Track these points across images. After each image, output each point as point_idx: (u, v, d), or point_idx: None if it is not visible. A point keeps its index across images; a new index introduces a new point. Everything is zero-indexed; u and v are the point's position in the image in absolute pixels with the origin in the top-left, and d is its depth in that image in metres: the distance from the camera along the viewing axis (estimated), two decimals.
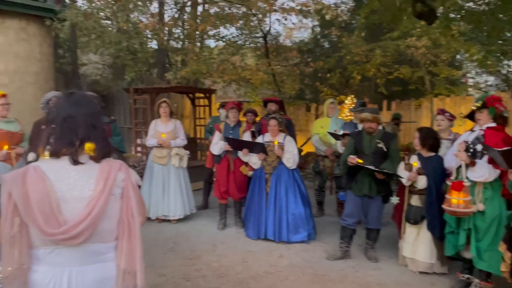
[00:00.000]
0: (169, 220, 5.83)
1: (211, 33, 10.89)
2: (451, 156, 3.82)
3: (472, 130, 3.85)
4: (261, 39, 10.19)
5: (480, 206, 3.52)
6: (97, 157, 1.69)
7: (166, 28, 10.19)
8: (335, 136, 5.68)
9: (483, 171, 3.51)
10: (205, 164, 6.38)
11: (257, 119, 6.35)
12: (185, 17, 11.72)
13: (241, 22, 9.62)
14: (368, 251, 4.60)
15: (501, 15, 5.46)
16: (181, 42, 12.02)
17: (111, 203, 1.63)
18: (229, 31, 11.40)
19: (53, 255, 1.60)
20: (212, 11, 10.76)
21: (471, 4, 6.63)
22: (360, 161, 4.25)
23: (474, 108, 3.76)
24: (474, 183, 3.58)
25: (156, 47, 12.00)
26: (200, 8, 11.80)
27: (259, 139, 5.33)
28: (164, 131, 5.80)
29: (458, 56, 11.69)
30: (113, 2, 8.49)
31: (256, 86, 11.28)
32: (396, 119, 8.40)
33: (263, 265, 4.38)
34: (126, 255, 1.65)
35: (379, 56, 8.75)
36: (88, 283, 1.62)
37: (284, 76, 10.59)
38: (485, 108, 3.68)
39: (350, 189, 4.47)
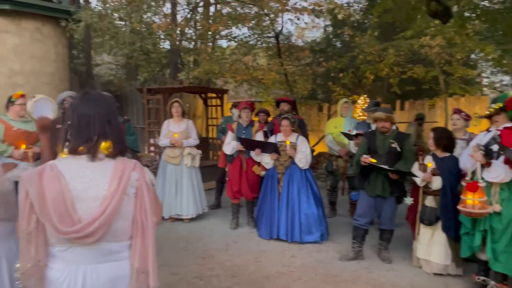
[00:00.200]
0: (182, 219, 5.86)
1: (223, 33, 10.92)
2: (467, 157, 3.77)
3: (488, 130, 3.80)
4: (273, 39, 10.18)
5: (497, 207, 3.47)
6: (113, 154, 1.71)
7: (179, 29, 10.24)
8: (348, 136, 5.65)
9: (499, 172, 3.46)
10: (218, 164, 6.40)
11: (269, 119, 6.35)
12: (197, 17, 11.77)
13: (253, 22, 9.62)
14: (381, 252, 4.57)
15: None
16: (193, 43, 12.07)
17: (125, 203, 1.64)
18: (241, 31, 11.41)
19: (68, 252, 1.62)
20: (224, 11, 10.79)
21: (486, 2, 6.54)
22: (374, 160, 4.22)
23: (492, 110, 3.70)
24: (490, 184, 3.53)
25: (168, 47, 12.07)
26: (212, 9, 11.85)
27: (272, 139, 5.33)
28: (176, 131, 5.84)
29: (472, 55, 11.52)
30: (127, 3, 8.56)
31: (268, 86, 11.27)
32: (420, 119, 8.29)
33: (275, 265, 4.38)
34: (139, 255, 1.66)
35: (392, 56, 8.68)
36: (102, 281, 1.63)
37: (296, 76, 10.56)
38: (503, 111, 3.63)
39: (363, 189, 4.44)
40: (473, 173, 3.67)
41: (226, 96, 10.28)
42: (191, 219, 5.88)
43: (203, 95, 9.21)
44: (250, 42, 10.61)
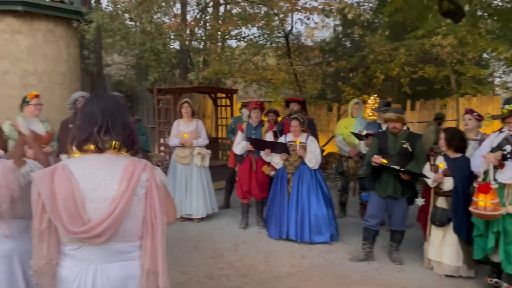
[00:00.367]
0: (191, 219, 5.88)
1: (233, 33, 10.93)
2: (479, 160, 3.72)
3: (500, 131, 3.76)
4: (282, 39, 10.16)
5: (510, 209, 3.43)
6: (119, 149, 1.71)
7: (188, 29, 10.28)
8: (358, 136, 5.62)
9: None
10: (227, 164, 6.41)
11: (279, 119, 6.35)
12: (207, 17, 11.80)
13: (262, 22, 9.61)
14: (392, 253, 4.54)
15: None
16: (202, 43, 12.11)
17: (135, 203, 1.64)
18: (250, 31, 11.44)
19: (79, 251, 1.64)
20: (234, 11, 10.80)
21: (499, 1, 6.46)
22: (385, 161, 4.20)
23: (505, 111, 3.66)
24: (503, 185, 3.49)
25: (178, 47, 12.13)
26: (222, 9, 11.87)
27: (281, 139, 5.33)
28: (186, 130, 5.86)
29: (485, 55, 11.39)
30: (137, 3, 8.62)
31: (277, 86, 11.26)
32: (439, 119, 8.18)
33: (285, 265, 4.37)
34: (149, 255, 1.66)
35: (403, 55, 8.61)
36: (112, 281, 1.64)
37: (305, 75, 10.53)
38: None
39: (373, 189, 4.42)
40: (485, 173, 3.63)
41: (236, 96, 10.30)
42: (201, 219, 5.91)
43: (212, 95, 9.24)
44: (260, 42, 10.61)
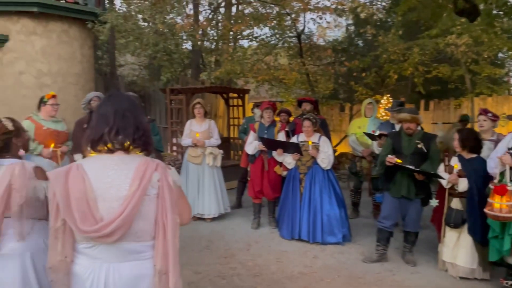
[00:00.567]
0: (203, 219, 5.91)
1: (245, 33, 10.95)
2: (494, 161, 3.66)
3: None
4: (294, 38, 10.14)
5: None
6: (133, 147, 1.73)
7: (201, 29, 10.32)
8: (371, 136, 5.58)
9: None
10: (240, 164, 6.42)
11: (291, 119, 6.34)
12: (219, 18, 11.83)
13: (274, 22, 9.60)
14: (406, 254, 4.49)
15: None
16: (214, 43, 12.15)
17: (146, 203, 1.65)
18: (262, 31, 11.43)
19: (93, 250, 1.66)
20: (246, 11, 10.81)
21: None
22: (399, 161, 4.16)
23: None
24: None
25: (190, 48, 12.18)
26: (234, 9, 11.89)
27: (294, 139, 5.32)
28: (198, 130, 5.89)
29: (500, 54, 11.21)
30: (151, 4, 8.68)
31: (289, 86, 11.24)
32: (465, 121, 8.06)
33: (297, 266, 4.36)
34: (161, 256, 1.66)
35: (417, 55, 8.53)
36: (124, 280, 1.65)
37: (317, 75, 10.50)
38: None
39: (387, 190, 4.38)
40: (502, 175, 3.58)
41: (247, 96, 10.31)
42: (213, 219, 5.92)
43: (224, 95, 9.26)
44: (272, 42, 10.61)
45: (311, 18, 10.00)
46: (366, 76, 10.44)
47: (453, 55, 8.65)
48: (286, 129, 5.81)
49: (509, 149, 3.58)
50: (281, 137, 5.55)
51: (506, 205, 3.37)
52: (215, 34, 11.78)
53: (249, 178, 5.80)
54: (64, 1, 8.40)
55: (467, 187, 3.92)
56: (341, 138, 10.69)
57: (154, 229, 1.68)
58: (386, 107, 7.66)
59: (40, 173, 2.23)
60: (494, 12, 6.14)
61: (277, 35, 10.40)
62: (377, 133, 5.39)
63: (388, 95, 9.01)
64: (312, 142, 5.11)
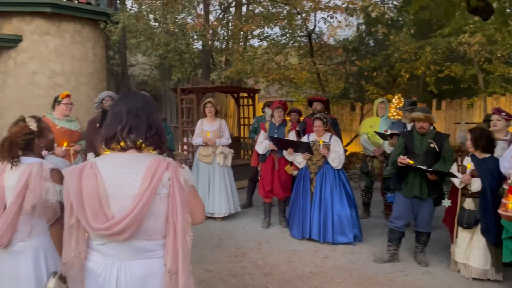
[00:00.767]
0: (214, 218, 5.93)
1: (255, 33, 10.95)
2: (508, 161, 3.62)
3: None
4: (304, 38, 10.11)
5: None
6: (145, 146, 1.74)
7: (211, 29, 10.35)
8: (382, 136, 5.55)
9: None
10: (250, 163, 6.43)
11: (301, 118, 6.33)
12: (229, 17, 11.85)
13: (285, 21, 9.59)
14: (417, 255, 4.46)
15: None
16: (225, 43, 12.16)
17: (157, 202, 1.65)
18: (272, 30, 11.41)
19: (105, 247, 1.68)
20: (256, 11, 10.81)
21: None
22: (411, 162, 4.13)
23: None
24: None
25: (200, 47, 12.22)
26: (244, 8, 11.90)
27: (304, 139, 5.31)
28: (209, 130, 5.92)
29: None
30: (163, 4, 8.73)
31: (299, 86, 11.21)
32: (490, 121, 7.97)
33: (308, 265, 4.36)
34: (171, 255, 1.67)
35: (429, 54, 8.45)
36: (135, 278, 1.66)
37: (328, 75, 10.46)
38: None
39: (399, 190, 4.35)
40: None
41: (257, 96, 10.32)
42: (223, 218, 5.94)
43: (235, 94, 9.28)
44: (282, 42, 10.60)
45: (322, 17, 9.88)
46: (377, 75, 10.37)
47: (466, 54, 8.55)
48: (297, 129, 5.80)
49: None
50: (292, 136, 5.54)
51: None
52: (225, 33, 11.79)
53: (259, 178, 5.82)
54: (76, 2, 8.49)
55: (480, 187, 3.89)
56: (351, 137, 10.64)
57: (165, 228, 1.69)
58: (398, 106, 7.61)
59: (56, 176, 2.22)
60: (508, 10, 6.06)
61: (288, 35, 10.38)
62: (389, 132, 5.35)
63: (400, 95, 8.95)
64: (323, 142, 5.10)
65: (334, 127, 5.66)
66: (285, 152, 5.41)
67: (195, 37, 10.65)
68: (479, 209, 3.90)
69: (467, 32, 7.79)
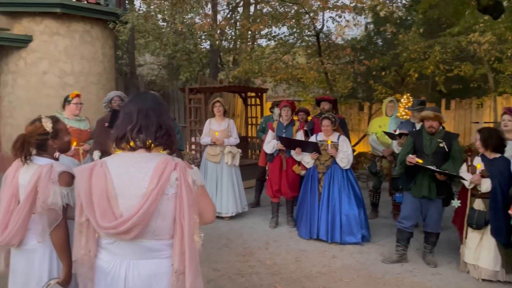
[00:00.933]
0: (222, 217, 5.94)
1: (263, 32, 10.96)
2: None
3: None
4: (312, 37, 10.09)
5: None
6: (154, 146, 1.74)
7: (219, 29, 10.37)
8: (391, 135, 5.52)
9: None
10: (258, 163, 6.44)
11: (309, 118, 6.32)
12: (237, 17, 11.87)
13: (293, 21, 9.58)
14: (426, 255, 4.43)
15: None
16: (232, 42, 12.18)
17: (164, 202, 1.66)
18: (280, 30, 11.39)
19: (114, 246, 1.70)
20: (264, 10, 10.81)
21: None
22: (420, 161, 4.10)
23: None
24: None
25: (208, 47, 12.26)
26: (252, 8, 11.90)
27: (312, 139, 5.30)
28: (218, 129, 5.93)
29: None
30: (171, 4, 8.76)
31: (307, 85, 11.18)
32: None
33: (316, 265, 4.36)
34: (178, 255, 1.67)
35: (438, 53, 8.38)
36: (143, 277, 1.68)
37: (336, 74, 10.43)
38: None
39: (408, 190, 4.33)
40: None
41: (265, 95, 10.32)
42: (231, 217, 5.96)
43: (242, 94, 9.29)
44: (290, 41, 10.59)
45: (330, 17, 9.86)
46: (385, 75, 10.30)
47: (475, 53, 8.47)
48: (305, 128, 5.79)
49: None
50: (300, 136, 5.54)
51: None
52: (233, 33, 11.82)
53: (267, 177, 5.82)
54: (86, 2, 8.56)
55: (490, 188, 3.85)
56: (359, 137, 10.59)
57: (173, 228, 1.70)
58: (407, 106, 7.56)
59: (64, 179, 2.18)
60: None
61: (296, 34, 10.37)
62: (398, 132, 5.32)
63: (408, 94, 8.89)
64: (331, 141, 5.08)
65: (342, 127, 5.64)
66: (293, 152, 5.40)
67: (203, 37, 10.70)
68: (489, 210, 3.86)
69: (477, 31, 7.71)
